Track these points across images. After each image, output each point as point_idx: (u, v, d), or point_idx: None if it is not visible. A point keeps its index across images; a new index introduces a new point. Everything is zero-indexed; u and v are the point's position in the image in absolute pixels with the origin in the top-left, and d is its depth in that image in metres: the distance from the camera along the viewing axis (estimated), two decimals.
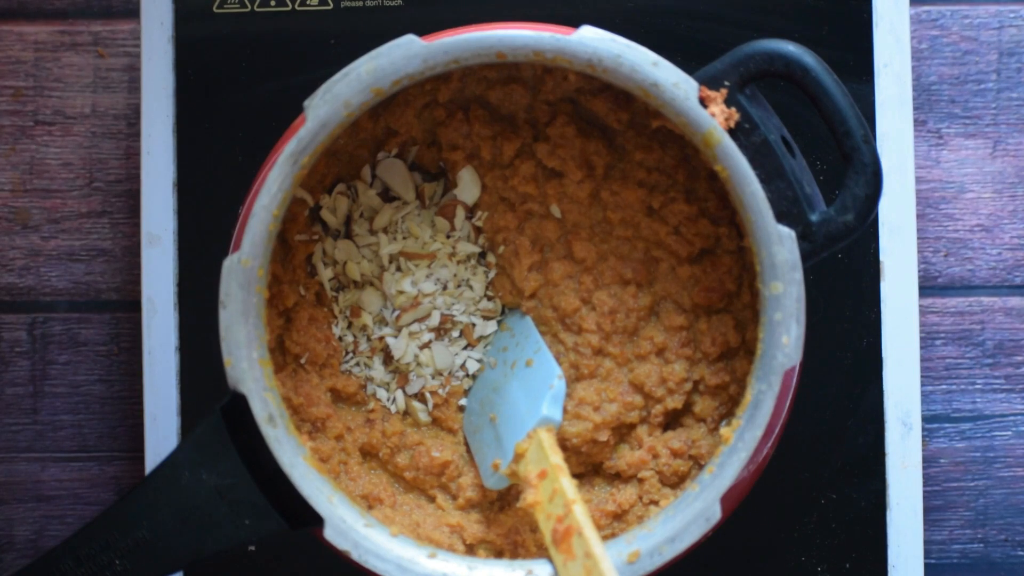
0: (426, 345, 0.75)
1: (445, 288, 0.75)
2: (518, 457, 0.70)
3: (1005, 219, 0.85)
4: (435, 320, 0.75)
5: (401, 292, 0.75)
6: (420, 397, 0.75)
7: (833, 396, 0.80)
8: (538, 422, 0.70)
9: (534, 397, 0.72)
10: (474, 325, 0.75)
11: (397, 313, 0.75)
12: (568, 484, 0.67)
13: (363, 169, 0.75)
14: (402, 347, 0.75)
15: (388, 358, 0.76)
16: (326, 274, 0.75)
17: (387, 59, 0.67)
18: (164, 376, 0.81)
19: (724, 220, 0.73)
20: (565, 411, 0.73)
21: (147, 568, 0.68)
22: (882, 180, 0.67)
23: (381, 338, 0.75)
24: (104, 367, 0.85)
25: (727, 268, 0.73)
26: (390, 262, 0.75)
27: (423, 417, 0.75)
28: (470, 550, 0.73)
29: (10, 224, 0.85)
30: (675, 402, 0.73)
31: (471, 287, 0.75)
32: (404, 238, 0.75)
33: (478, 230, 0.76)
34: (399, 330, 0.75)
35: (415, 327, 0.75)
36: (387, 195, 0.76)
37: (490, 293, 0.76)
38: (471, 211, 0.75)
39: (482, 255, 0.76)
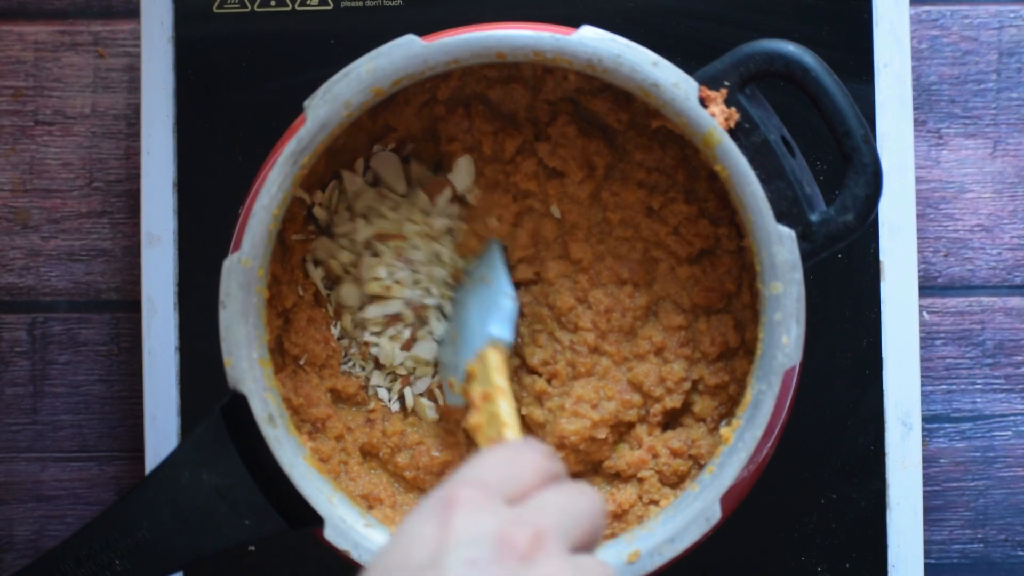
0: (408, 344, 0.75)
1: (416, 272, 0.74)
2: (469, 377, 0.69)
3: (1005, 219, 0.85)
4: (409, 316, 0.74)
5: (376, 279, 0.74)
6: (429, 394, 0.75)
7: (833, 396, 0.80)
8: (486, 341, 0.69)
9: (486, 316, 0.71)
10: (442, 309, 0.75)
11: (371, 309, 0.74)
12: (506, 407, 0.66)
13: (356, 161, 0.75)
14: (388, 352, 0.74)
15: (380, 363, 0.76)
16: (317, 273, 0.75)
17: (387, 59, 0.67)
18: (164, 376, 0.81)
19: (724, 220, 0.73)
20: (563, 409, 0.73)
21: (147, 568, 0.68)
22: (882, 180, 0.67)
23: (366, 343, 0.75)
24: (104, 367, 0.85)
25: (727, 268, 0.73)
26: (366, 248, 0.75)
27: (430, 415, 0.75)
28: None
29: (10, 224, 0.85)
30: (674, 401, 0.73)
31: (442, 261, 0.75)
32: (380, 218, 0.74)
33: (464, 204, 0.75)
34: (378, 334, 0.75)
35: (392, 331, 0.75)
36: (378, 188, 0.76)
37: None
38: (459, 198, 0.75)
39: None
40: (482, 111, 0.74)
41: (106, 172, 0.85)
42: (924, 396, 0.84)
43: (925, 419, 0.84)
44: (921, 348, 0.83)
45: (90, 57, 0.85)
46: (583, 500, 0.53)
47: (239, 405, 0.68)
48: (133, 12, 0.85)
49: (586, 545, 0.53)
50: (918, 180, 0.84)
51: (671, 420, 0.74)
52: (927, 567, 0.83)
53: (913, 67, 0.84)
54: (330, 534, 0.68)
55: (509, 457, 0.55)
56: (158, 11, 0.81)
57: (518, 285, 0.75)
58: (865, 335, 0.80)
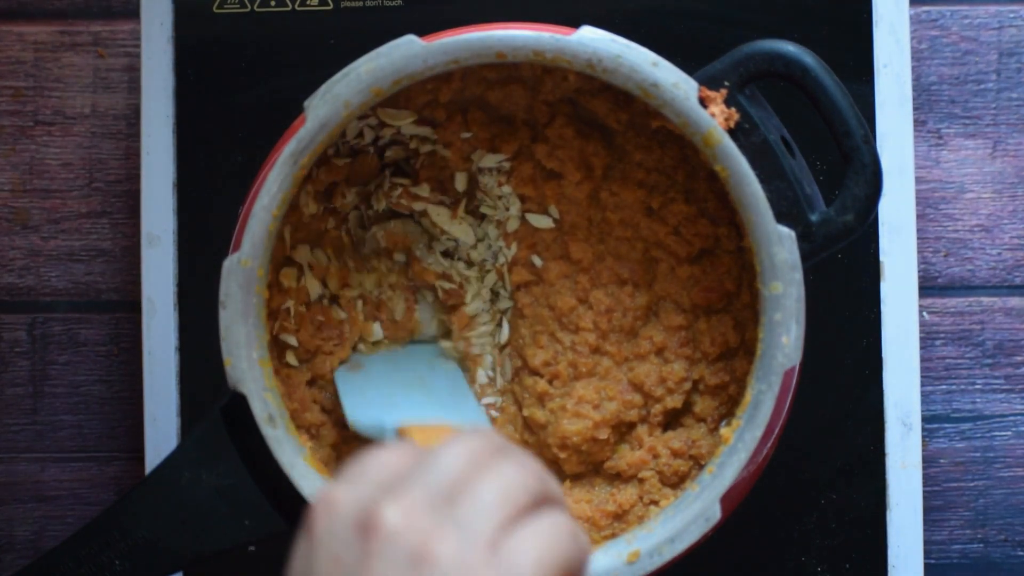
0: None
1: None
2: (429, 432, 0.66)
3: (1005, 219, 0.85)
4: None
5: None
6: None
7: (833, 396, 0.80)
8: (470, 423, 0.69)
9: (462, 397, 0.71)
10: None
11: None
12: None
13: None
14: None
15: None
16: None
17: (387, 59, 0.67)
18: (164, 376, 0.81)
19: (724, 220, 0.73)
20: (565, 410, 0.73)
21: (147, 568, 0.68)
22: (882, 180, 0.67)
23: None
24: (104, 367, 0.85)
25: (727, 268, 0.73)
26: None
27: None
28: None
29: (10, 224, 0.85)
30: (674, 401, 0.73)
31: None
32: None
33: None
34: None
35: None
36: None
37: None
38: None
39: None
40: (479, 118, 0.73)
41: (106, 172, 0.85)
42: (924, 396, 0.84)
43: (925, 419, 0.84)
44: (921, 348, 0.83)
45: (90, 57, 0.85)
46: (515, 474, 0.49)
47: (239, 405, 0.68)
48: (133, 12, 0.85)
49: (535, 507, 0.49)
50: (918, 180, 0.84)
51: (671, 420, 0.74)
52: (927, 567, 0.83)
53: (913, 67, 0.84)
54: None
55: (414, 452, 0.50)
56: (158, 11, 0.81)
57: (517, 287, 0.75)
58: (865, 335, 0.80)
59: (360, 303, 0.75)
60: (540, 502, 0.49)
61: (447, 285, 0.75)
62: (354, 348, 0.75)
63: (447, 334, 0.76)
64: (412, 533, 0.46)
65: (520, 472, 0.49)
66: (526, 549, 0.47)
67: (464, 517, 0.47)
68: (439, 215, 0.74)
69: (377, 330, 0.74)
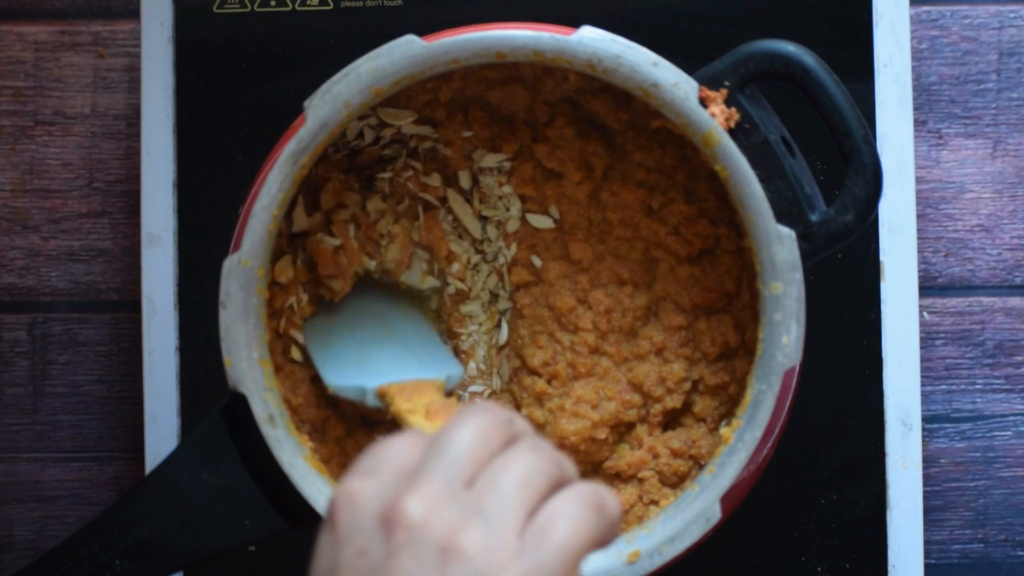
0: None
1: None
2: (409, 390, 0.68)
3: (1005, 219, 0.85)
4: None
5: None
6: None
7: (833, 396, 0.80)
8: (448, 378, 0.70)
9: (440, 352, 0.72)
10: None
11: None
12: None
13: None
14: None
15: None
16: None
17: (387, 59, 0.67)
18: (164, 376, 0.81)
19: (724, 220, 0.73)
20: (563, 409, 0.73)
21: (147, 568, 0.68)
22: (882, 180, 0.67)
23: None
24: (104, 367, 0.85)
25: (727, 268, 0.73)
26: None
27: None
28: None
29: (10, 224, 0.85)
30: (674, 401, 0.73)
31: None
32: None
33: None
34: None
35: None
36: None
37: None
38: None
39: None
40: (480, 117, 0.74)
41: (106, 172, 0.85)
42: (924, 396, 0.84)
43: (925, 419, 0.84)
44: (921, 348, 0.83)
45: (90, 57, 0.85)
46: (533, 461, 0.49)
47: (239, 405, 0.68)
48: (133, 12, 0.85)
49: (553, 490, 0.50)
50: (918, 180, 0.84)
51: (671, 420, 0.74)
52: (927, 567, 0.83)
53: (913, 67, 0.84)
54: None
55: (432, 438, 0.50)
56: (158, 11, 0.81)
57: (516, 287, 0.75)
58: (865, 335, 0.80)
59: (352, 227, 0.73)
60: (558, 484, 0.50)
61: (459, 284, 0.75)
62: (355, 276, 0.73)
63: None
64: (437, 524, 0.47)
65: (535, 457, 0.50)
66: (552, 534, 0.48)
67: (488, 508, 0.48)
68: (456, 201, 0.74)
69: (370, 264, 0.73)
